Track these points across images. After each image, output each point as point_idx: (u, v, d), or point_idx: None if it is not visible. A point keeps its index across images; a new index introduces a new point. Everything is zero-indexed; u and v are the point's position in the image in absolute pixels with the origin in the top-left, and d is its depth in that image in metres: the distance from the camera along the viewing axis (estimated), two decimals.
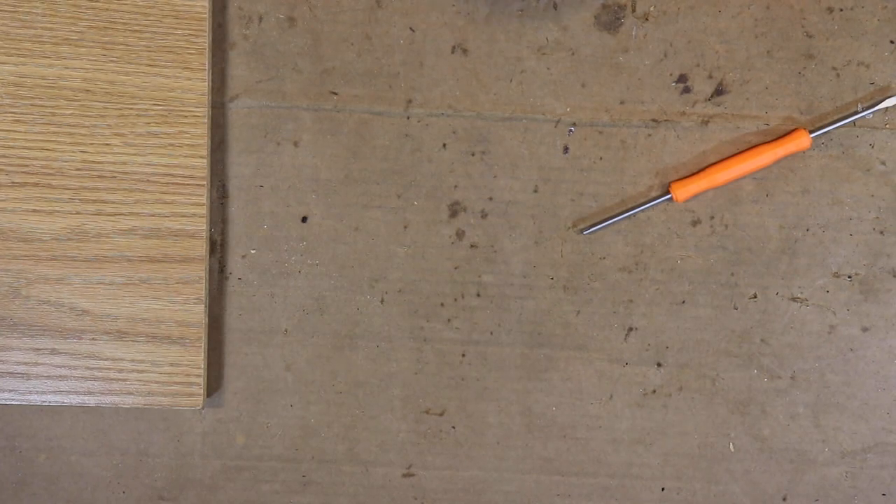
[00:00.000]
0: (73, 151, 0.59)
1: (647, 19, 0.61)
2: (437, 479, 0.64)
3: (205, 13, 0.59)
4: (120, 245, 0.59)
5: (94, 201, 0.59)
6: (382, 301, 0.62)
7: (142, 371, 0.60)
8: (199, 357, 0.60)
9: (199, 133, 0.59)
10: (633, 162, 0.62)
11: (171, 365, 0.60)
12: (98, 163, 0.59)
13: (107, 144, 0.59)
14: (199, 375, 0.60)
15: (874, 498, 0.63)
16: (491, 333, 0.63)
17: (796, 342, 0.63)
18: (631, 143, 0.62)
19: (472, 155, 0.62)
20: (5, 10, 0.58)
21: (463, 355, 0.63)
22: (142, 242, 0.59)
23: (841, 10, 0.61)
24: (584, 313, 0.63)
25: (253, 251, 0.62)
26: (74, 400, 0.60)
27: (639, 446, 0.63)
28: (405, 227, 0.62)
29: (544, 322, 0.63)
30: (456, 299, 0.62)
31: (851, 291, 0.62)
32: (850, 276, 0.62)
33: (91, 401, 0.60)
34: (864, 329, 0.62)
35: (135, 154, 0.59)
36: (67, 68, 0.58)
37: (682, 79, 0.61)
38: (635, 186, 0.62)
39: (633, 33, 0.61)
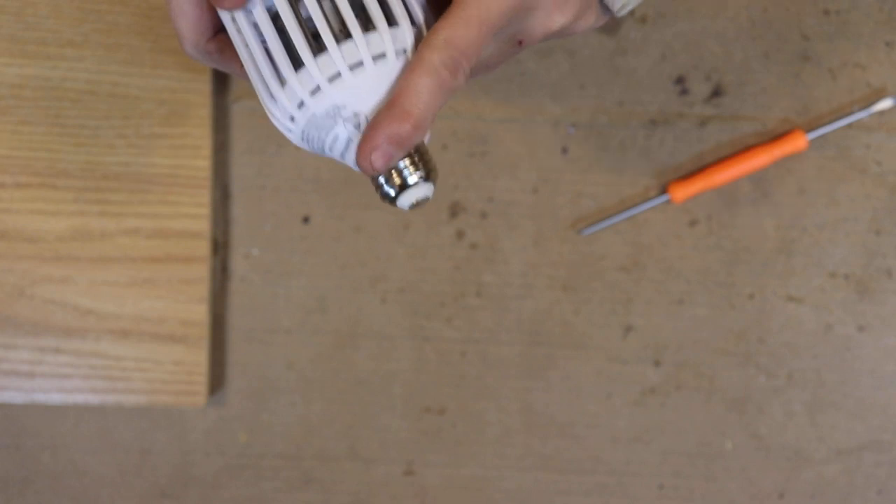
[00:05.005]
0: (77, 152, 0.59)
1: (644, 22, 0.61)
2: (437, 476, 0.64)
3: None
4: (124, 245, 0.60)
5: (98, 202, 0.60)
6: (383, 300, 0.63)
7: (145, 370, 0.61)
8: (201, 356, 0.61)
9: (203, 134, 0.60)
10: (631, 163, 0.62)
11: (175, 364, 0.61)
12: (102, 163, 0.59)
13: (111, 145, 0.59)
14: (201, 374, 0.61)
15: (869, 495, 0.64)
16: (491, 332, 0.63)
17: (793, 341, 0.63)
18: (629, 145, 0.62)
19: (472, 156, 0.62)
20: (10, 13, 0.58)
21: (463, 354, 0.63)
22: (145, 242, 0.60)
23: (837, 12, 0.61)
24: (582, 313, 0.63)
25: (255, 251, 0.63)
26: (78, 398, 0.61)
27: (637, 444, 0.64)
28: (406, 227, 0.63)
29: (543, 321, 0.63)
30: (456, 299, 0.63)
31: (847, 291, 0.63)
32: (846, 276, 0.63)
33: (95, 399, 0.61)
34: (860, 328, 0.63)
35: (138, 155, 0.60)
36: (72, 70, 0.59)
37: (679, 80, 0.62)
38: (634, 187, 0.62)
39: (632, 35, 0.61)
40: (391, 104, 0.37)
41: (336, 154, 0.39)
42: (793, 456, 0.64)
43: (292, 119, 0.38)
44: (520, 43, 0.42)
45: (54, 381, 0.60)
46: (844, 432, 0.64)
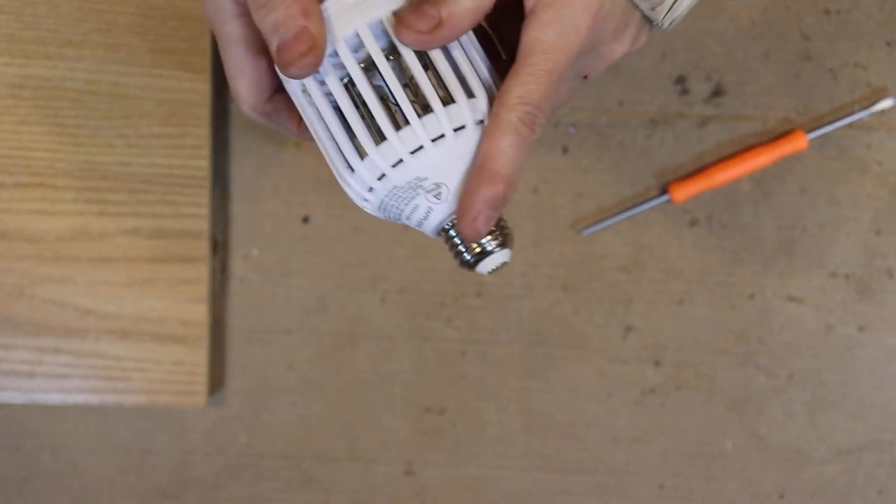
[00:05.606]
0: (76, 152, 0.59)
1: None
2: (437, 476, 0.64)
3: None
4: (123, 245, 0.60)
5: (98, 202, 0.60)
6: (383, 300, 0.63)
7: (145, 370, 0.61)
8: (201, 356, 0.61)
9: (202, 134, 0.60)
10: (631, 163, 0.62)
11: (174, 364, 0.61)
12: (101, 163, 0.59)
13: (110, 145, 0.59)
14: (201, 374, 0.61)
15: (869, 495, 0.64)
16: (491, 332, 0.63)
17: (793, 341, 0.63)
18: (630, 144, 0.62)
19: None
20: (9, 13, 0.58)
21: (463, 354, 0.63)
22: (145, 242, 0.60)
23: (838, 12, 0.61)
24: (582, 313, 0.63)
25: (255, 251, 0.63)
26: (78, 399, 0.61)
27: (637, 444, 0.64)
28: (406, 227, 0.63)
29: (543, 321, 0.63)
30: (456, 299, 0.63)
31: (848, 291, 0.63)
32: (846, 276, 0.63)
33: (94, 399, 0.61)
34: (861, 328, 0.63)
35: (138, 155, 0.60)
36: (71, 70, 0.59)
37: (680, 80, 0.62)
38: (634, 187, 0.62)
39: None
40: (480, 169, 0.38)
41: (413, 223, 0.39)
42: (793, 456, 0.64)
43: (371, 190, 0.39)
44: (585, 77, 0.43)
45: (54, 381, 0.60)
46: (844, 432, 0.64)
